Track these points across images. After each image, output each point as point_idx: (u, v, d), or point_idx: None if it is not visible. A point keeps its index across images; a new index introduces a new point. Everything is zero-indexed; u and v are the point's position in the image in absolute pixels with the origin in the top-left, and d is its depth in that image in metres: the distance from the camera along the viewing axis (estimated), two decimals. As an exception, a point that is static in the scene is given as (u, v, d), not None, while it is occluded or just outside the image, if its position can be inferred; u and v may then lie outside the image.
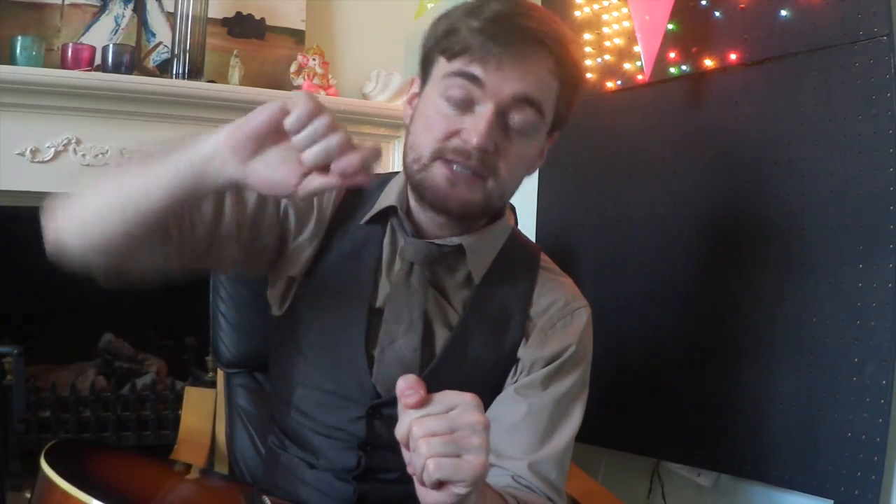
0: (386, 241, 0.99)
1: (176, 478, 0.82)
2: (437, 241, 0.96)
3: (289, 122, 0.70)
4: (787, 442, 1.38)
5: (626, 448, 1.70)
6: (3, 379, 1.92)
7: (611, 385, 1.68)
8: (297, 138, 0.70)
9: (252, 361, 1.33)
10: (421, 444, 0.66)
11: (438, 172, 0.89)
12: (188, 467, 0.95)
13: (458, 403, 0.67)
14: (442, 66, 0.91)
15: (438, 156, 0.89)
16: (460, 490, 0.66)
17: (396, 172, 1.04)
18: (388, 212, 0.99)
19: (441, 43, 0.91)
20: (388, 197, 0.99)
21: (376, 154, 0.72)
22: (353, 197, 1.01)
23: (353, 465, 0.99)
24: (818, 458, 1.33)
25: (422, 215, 0.97)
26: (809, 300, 1.35)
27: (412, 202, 0.97)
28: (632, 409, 1.66)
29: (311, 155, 0.70)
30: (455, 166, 0.89)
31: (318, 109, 0.70)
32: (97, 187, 0.82)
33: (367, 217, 0.99)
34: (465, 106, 0.89)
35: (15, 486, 1.90)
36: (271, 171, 0.73)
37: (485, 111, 0.87)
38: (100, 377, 2.12)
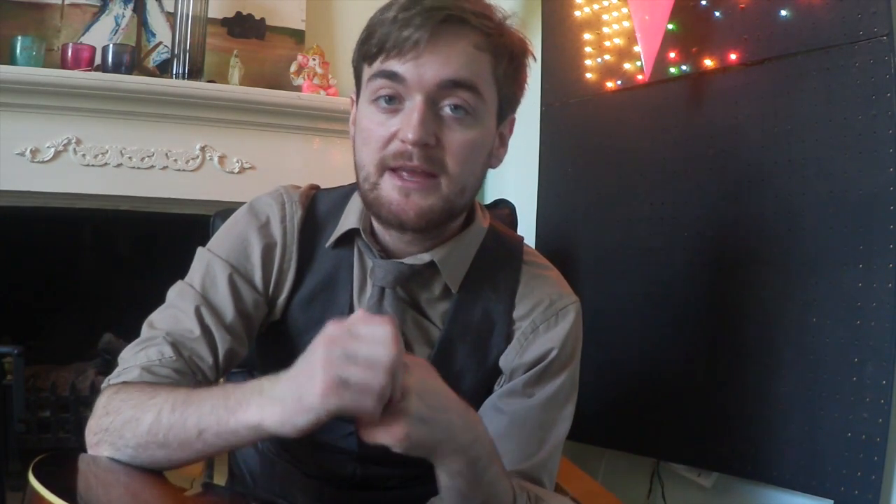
0: (355, 263, 0.95)
1: (169, 489, 0.81)
2: (406, 261, 0.91)
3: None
4: (787, 442, 1.37)
5: (626, 448, 1.70)
6: (3, 379, 1.93)
7: (611, 385, 1.68)
8: None
9: (252, 361, 1.33)
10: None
11: (389, 185, 0.85)
12: (186, 482, 0.94)
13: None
14: (366, 72, 0.87)
15: (383, 166, 0.85)
16: (395, 449, 0.68)
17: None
18: (353, 233, 0.95)
19: (362, 50, 0.87)
20: (349, 218, 0.95)
21: None
22: (315, 217, 0.97)
23: (348, 476, 0.98)
24: (818, 458, 1.32)
25: (387, 235, 0.92)
26: (809, 300, 1.35)
27: (374, 223, 0.93)
28: (632, 409, 1.66)
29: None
30: (404, 174, 0.84)
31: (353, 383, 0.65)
32: (145, 454, 0.77)
33: (331, 241, 0.95)
34: (396, 105, 0.84)
35: (15, 487, 1.91)
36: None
37: (414, 104, 0.82)
38: (100, 377, 2.12)
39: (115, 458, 0.79)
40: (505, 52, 0.87)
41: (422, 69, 0.82)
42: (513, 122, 0.95)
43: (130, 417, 0.78)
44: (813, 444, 1.33)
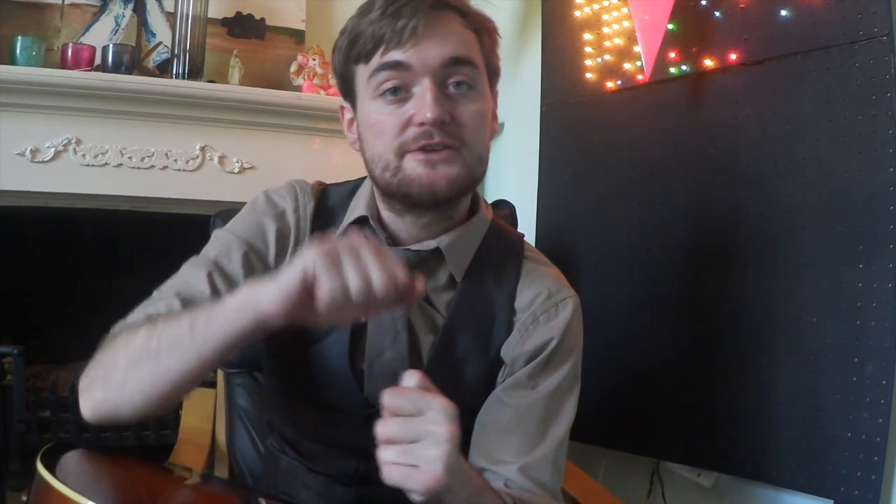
0: None
1: (173, 483, 0.81)
2: (412, 247, 0.94)
3: (323, 308, 0.67)
4: (787, 442, 1.38)
5: (626, 448, 1.70)
6: (3, 379, 1.92)
7: (611, 385, 1.68)
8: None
9: (252, 361, 1.33)
10: (381, 447, 0.68)
11: (413, 163, 0.87)
12: (187, 471, 0.95)
13: (429, 410, 0.68)
14: (362, 72, 0.89)
15: (403, 151, 0.87)
16: (414, 497, 0.68)
17: (365, 178, 1.01)
18: (361, 221, 0.97)
19: (351, 54, 0.90)
20: (357, 207, 0.98)
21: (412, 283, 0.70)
22: (326, 208, 1.00)
23: (351, 471, 0.98)
24: (818, 458, 1.32)
25: (399, 222, 0.94)
26: (809, 300, 1.35)
27: (385, 211, 0.95)
28: (632, 409, 1.66)
29: (359, 302, 0.67)
30: (426, 151, 0.87)
31: (337, 272, 0.66)
32: (135, 374, 0.77)
33: (340, 229, 0.97)
34: (403, 94, 0.87)
35: (15, 487, 1.91)
36: (332, 319, 0.71)
37: (423, 87, 0.85)
38: (100, 377, 2.12)
39: (103, 399, 0.78)
40: (484, 29, 0.92)
41: (424, 53, 0.85)
42: (496, 94, 0.99)
43: (125, 339, 0.79)
44: (813, 444, 1.33)
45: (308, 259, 0.67)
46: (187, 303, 0.87)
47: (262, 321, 0.71)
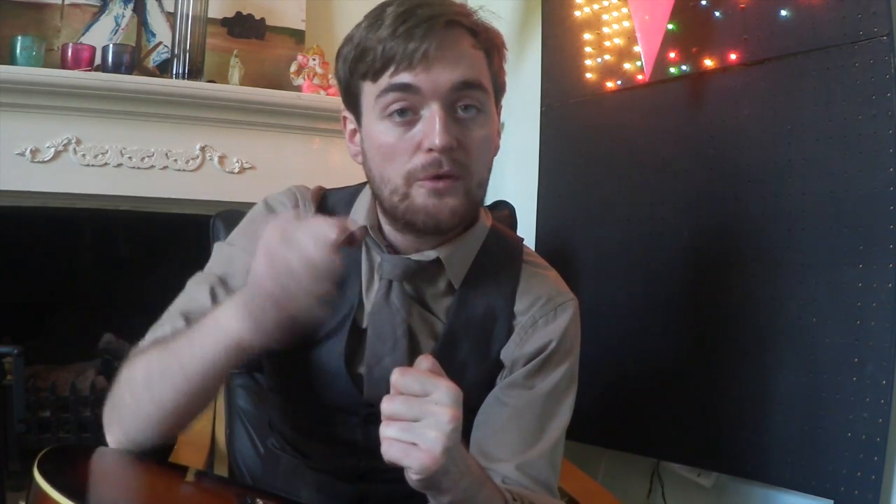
0: (363, 259, 0.97)
1: (170, 484, 0.82)
2: (413, 257, 0.94)
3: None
4: (787, 442, 1.38)
5: (626, 448, 1.70)
6: (3, 379, 1.92)
7: (611, 385, 1.68)
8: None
9: (251, 362, 1.33)
10: (383, 423, 0.69)
11: (421, 193, 0.87)
12: (185, 471, 0.94)
13: (435, 391, 0.68)
14: (369, 90, 0.88)
15: (412, 178, 0.87)
16: (411, 475, 0.69)
17: (365, 184, 1.00)
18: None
19: (358, 69, 0.88)
20: (357, 215, 0.98)
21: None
22: (326, 212, 0.99)
23: (353, 468, 0.99)
24: (818, 458, 1.32)
25: (398, 236, 0.94)
26: (809, 300, 1.35)
27: (385, 224, 0.95)
28: (632, 409, 1.66)
29: (304, 274, 0.72)
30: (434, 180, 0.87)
31: (274, 266, 0.71)
32: (142, 404, 0.80)
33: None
34: (410, 116, 0.86)
35: (15, 487, 1.90)
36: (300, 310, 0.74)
37: (432, 112, 0.85)
38: (100, 377, 2.12)
39: (124, 436, 0.82)
40: (493, 47, 0.91)
41: (434, 76, 0.84)
42: (500, 109, 0.98)
43: (128, 371, 0.82)
44: (813, 444, 1.33)
45: (255, 265, 0.72)
46: (191, 320, 0.88)
47: (236, 342, 0.75)
